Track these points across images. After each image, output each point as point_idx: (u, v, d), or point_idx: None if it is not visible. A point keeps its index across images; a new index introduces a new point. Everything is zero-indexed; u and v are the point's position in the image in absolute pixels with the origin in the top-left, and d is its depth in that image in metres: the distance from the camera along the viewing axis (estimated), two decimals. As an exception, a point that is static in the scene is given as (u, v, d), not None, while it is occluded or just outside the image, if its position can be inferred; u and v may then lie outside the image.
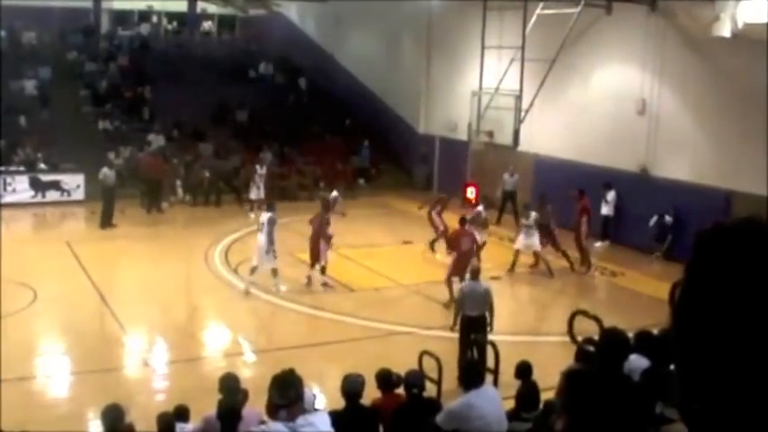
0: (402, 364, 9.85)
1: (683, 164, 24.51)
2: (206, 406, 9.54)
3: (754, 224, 1.28)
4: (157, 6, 49.18)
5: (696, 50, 23.91)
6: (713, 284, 1.25)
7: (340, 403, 9.07)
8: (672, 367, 1.38)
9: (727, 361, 1.22)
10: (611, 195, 26.03)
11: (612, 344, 8.18)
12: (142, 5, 49.07)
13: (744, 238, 1.26)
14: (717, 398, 1.25)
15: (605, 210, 26.21)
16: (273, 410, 7.30)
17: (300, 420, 6.74)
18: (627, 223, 26.14)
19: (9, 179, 30.39)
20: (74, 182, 31.24)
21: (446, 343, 15.61)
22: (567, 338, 13.07)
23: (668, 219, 25.01)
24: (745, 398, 1.21)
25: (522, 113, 25.50)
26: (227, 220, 28.36)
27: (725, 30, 21.71)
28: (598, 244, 26.18)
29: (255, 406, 9.12)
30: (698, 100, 24.20)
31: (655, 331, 9.32)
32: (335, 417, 7.38)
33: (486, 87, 26.73)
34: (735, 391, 1.22)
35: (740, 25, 21.40)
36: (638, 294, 20.83)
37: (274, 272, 19.74)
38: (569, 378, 7.51)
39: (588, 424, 6.71)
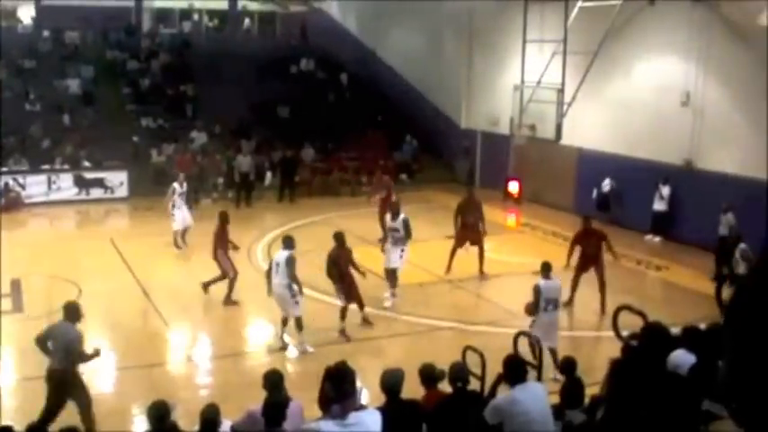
0: (446, 360, 9.78)
1: (728, 156, 24.20)
2: (248, 401, 9.53)
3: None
4: (198, 4, 49.50)
5: (741, 40, 23.58)
6: None
7: (383, 399, 9.03)
8: (720, 363, 1.33)
9: None
10: (666, 190, 25.74)
11: (653, 338, 8.11)
12: (183, 4, 49.44)
13: None
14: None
15: (659, 205, 25.92)
16: (327, 404, 7.24)
17: (351, 419, 6.68)
18: (675, 218, 25.88)
19: (54, 177, 30.73)
20: (117, 179, 31.53)
21: (489, 338, 15.55)
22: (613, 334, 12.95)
23: (606, 187, 26.92)
24: None
25: (565, 107, 25.41)
26: (269, 217, 28.43)
27: (771, 19, 21.44)
28: (648, 237, 25.99)
29: (299, 401, 9.11)
30: (743, 91, 23.87)
31: (702, 326, 9.20)
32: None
33: (528, 81, 26.66)
34: None
35: (786, 15, 21.13)
36: (686, 290, 20.63)
37: (298, 322, 16.36)
38: (611, 368, 7.45)
39: (628, 413, 6.63)
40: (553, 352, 14.47)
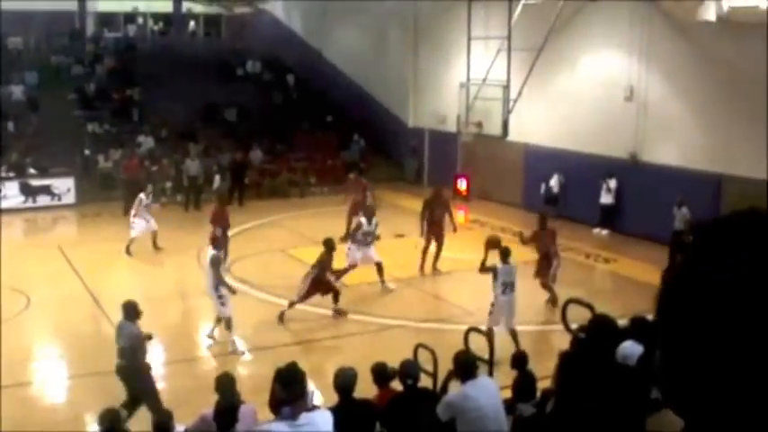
0: (398, 358, 9.84)
1: (672, 149, 24.54)
2: (201, 405, 9.54)
3: (754, 217, 1.27)
4: (143, 7, 49.17)
5: (682, 35, 23.92)
6: (709, 277, 1.24)
7: (335, 399, 9.07)
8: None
9: (715, 352, 1.22)
10: (612, 184, 26.06)
11: (600, 330, 8.23)
12: (127, 7, 49.07)
13: (743, 231, 1.26)
14: (703, 388, 1.25)
15: (606, 198, 26.22)
16: (277, 406, 7.27)
17: (302, 419, 6.72)
18: (622, 211, 26.20)
19: (-1, 185, 30.33)
20: (64, 186, 31.19)
21: (441, 335, 15.63)
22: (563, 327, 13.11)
23: (552, 183, 27.64)
24: (735, 392, 1.21)
25: (511, 103, 25.60)
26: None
27: (710, 14, 21.77)
28: (596, 231, 26.27)
29: (252, 404, 9.13)
30: (685, 85, 24.24)
31: (650, 317, 9.33)
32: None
33: (474, 78, 26.80)
34: (723, 383, 1.22)
35: (725, 9, 21.44)
36: (635, 281, 20.87)
37: (227, 323, 16.31)
38: (560, 361, 7.54)
39: (576, 405, 6.73)
40: (513, 333, 15.35)
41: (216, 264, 16.24)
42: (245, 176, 32.68)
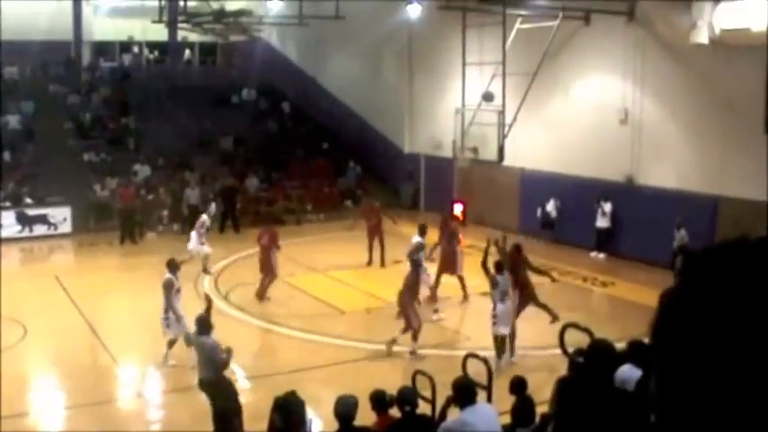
0: (396, 385, 9.82)
1: (668, 172, 24.60)
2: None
3: (743, 246, 1.28)
4: (138, 36, 49.24)
5: (675, 58, 24.03)
6: (700, 303, 1.25)
7: (335, 427, 9.04)
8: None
9: (707, 378, 1.23)
10: (608, 207, 26.09)
11: (598, 354, 8.21)
12: (123, 36, 49.15)
13: (733, 259, 1.27)
14: (696, 416, 1.25)
15: (602, 222, 26.25)
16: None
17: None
18: (617, 234, 26.22)
19: (-5, 215, 30.30)
20: (60, 215, 31.16)
21: (439, 362, 15.60)
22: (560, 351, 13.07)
23: (549, 207, 27.86)
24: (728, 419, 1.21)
25: (506, 128, 25.61)
26: (214, 249, 28.28)
27: (702, 36, 21.85)
28: (593, 254, 26.28)
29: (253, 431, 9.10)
30: (680, 107, 24.32)
31: (648, 341, 9.30)
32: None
33: (469, 104, 26.84)
34: (715, 412, 1.22)
35: (717, 31, 21.55)
36: (633, 304, 20.82)
37: (168, 343, 16.71)
38: (558, 386, 7.53)
39: (574, 430, 6.70)
40: (511, 336, 16.43)
41: (167, 288, 16.54)
42: (236, 201, 32.61)
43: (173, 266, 16.92)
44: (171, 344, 16.62)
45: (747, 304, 1.20)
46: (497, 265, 16.40)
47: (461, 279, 21.45)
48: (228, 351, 12.80)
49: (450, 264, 21.59)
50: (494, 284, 16.25)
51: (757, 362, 1.18)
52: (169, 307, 16.50)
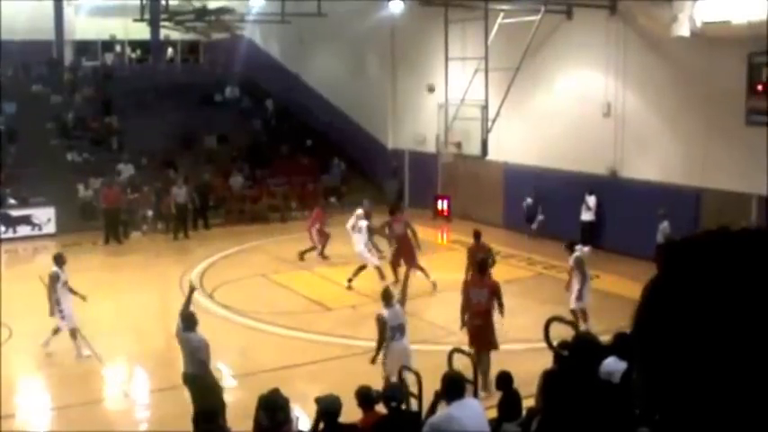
0: (382, 381, 9.82)
1: (651, 164, 24.68)
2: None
3: (724, 236, 1.29)
4: (120, 35, 49.03)
5: (657, 51, 24.12)
6: (681, 296, 1.26)
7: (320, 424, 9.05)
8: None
9: (687, 369, 1.23)
10: (592, 201, 26.15)
11: (583, 347, 8.24)
12: (105, 35, 48.94)
13: (715, 249, 1.28)
14: (679, 407, 1.26)
15: (586, 215, 26.29)
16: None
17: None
18: (603, 228, 26.27)
19: (-22, 217, 30.16)
20: (44, 216, 31.03)
21: (426, 357, 15.60)
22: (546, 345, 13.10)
23: (529, 200, 28.09)
24: (709, 410, 1.22)
25: (489, 123, 25.62)
26: (199, 247, 28.26)
27: (684, 29, 21.92)
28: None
29: (238, 430, 9.09)
30: (662, 100, 24.41)
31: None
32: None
33: (452, 99, 26.84)
34: (698, 402, 1.23)
35: (698, 24, 21.63)
36: (617, 297, 20.85)
37: (72, 333, 17.46)
38: (543, 380, 7.56)
39: (560, 423, 6.73)
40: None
41: (51, 280, 17.35)
42: (209, 198, 32.58)
43: (59, 260, 17.81)
44: (55, 331, 17.33)
45: (729, 293, 1.21)
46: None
47: (422, 269, 21.69)
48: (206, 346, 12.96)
49: (406, 255, 21.76)
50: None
51: (739, 350, 1.19)
52: (52, 298, 17.20)
